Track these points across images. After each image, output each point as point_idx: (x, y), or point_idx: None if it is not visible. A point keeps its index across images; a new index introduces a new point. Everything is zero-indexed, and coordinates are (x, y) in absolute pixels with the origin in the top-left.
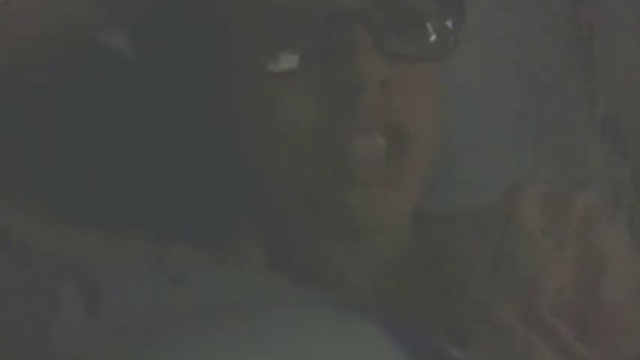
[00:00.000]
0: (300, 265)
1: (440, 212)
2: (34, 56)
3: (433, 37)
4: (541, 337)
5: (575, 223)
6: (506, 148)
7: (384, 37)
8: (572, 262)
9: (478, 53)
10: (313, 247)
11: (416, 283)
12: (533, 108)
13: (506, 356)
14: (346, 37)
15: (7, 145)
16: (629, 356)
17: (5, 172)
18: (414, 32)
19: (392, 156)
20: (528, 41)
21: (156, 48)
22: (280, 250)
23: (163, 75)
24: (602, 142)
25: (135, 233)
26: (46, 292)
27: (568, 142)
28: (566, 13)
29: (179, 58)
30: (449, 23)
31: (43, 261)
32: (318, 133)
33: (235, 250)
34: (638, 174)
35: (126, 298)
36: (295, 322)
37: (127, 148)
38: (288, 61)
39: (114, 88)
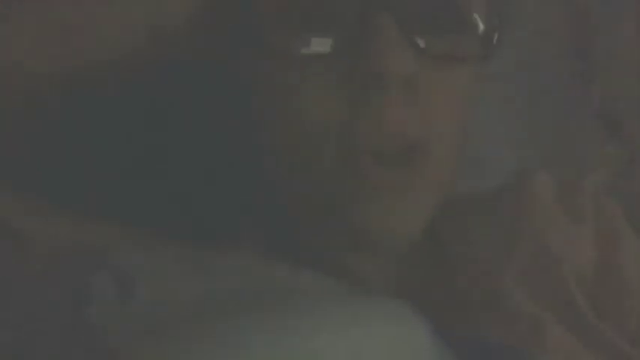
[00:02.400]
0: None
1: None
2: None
3: (470, 38)
4: (557, 318)
5: (588, 204)
6: (502, 136)
7: (415, 31)
8: (589, 241)
9: None
10: (318, 244)
11: (426, 271)
12: (531, 96)
13: (517, 339)
14: (375, 28)
15: (35, 144)
16: None
17: (36, 174)
18: (450, 30)
19: (410, 163)
20: (528, 31)
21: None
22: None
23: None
24: (599, 129)
25: (161, 229)
26: (80, 282)
27: (565, 130)
28: (565, 4)
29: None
30: (490, 23)
31: (76, 254)
32: (334, 128)
33: (245, 243)
34: (633, 161)
35: (155, 288)
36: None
37: (141, 145)
38: (311, 47)
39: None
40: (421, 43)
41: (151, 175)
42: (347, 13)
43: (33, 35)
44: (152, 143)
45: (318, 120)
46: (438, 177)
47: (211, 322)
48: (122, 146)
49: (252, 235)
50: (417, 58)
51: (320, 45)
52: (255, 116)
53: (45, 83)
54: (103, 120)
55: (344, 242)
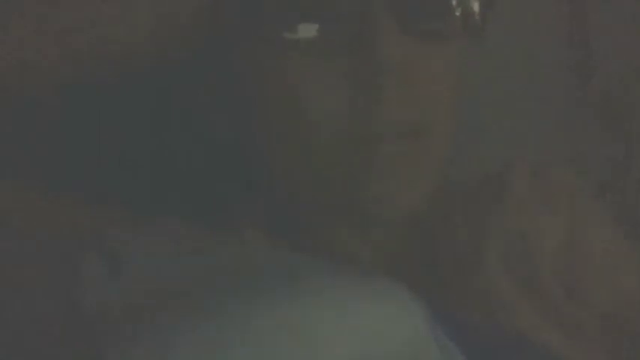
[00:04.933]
0: (306, 240)
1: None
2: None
3: (460, 19)
4: (528, 297)
5: (561, 193)
6: (499, 131)
7: (409, 18)
8: (560, 228)
9: None
10: (322, 227)
11: (415, 253)
12: (529, 92)
13: (493, 316)
14: (370, 20)
15: (33, 132)
16: (607, 312)
17: (28, 157)
18: (440, 13)
19: (415, 145)
20: (524, 21)
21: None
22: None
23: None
24: (596, 120)
25: (154, 209)
26: (70, 261)
27: (563, 126)
28: None
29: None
30: (477, 3)
31: (66, 235)
32: (338, 116)
33: (246, 228)
34: (631, 153)
35: (144, 266)
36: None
37: (141, 132)
38: (309, 43)
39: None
40: (416, 30)
41: (149, 159)
42: (345, 9)
43: (35, 33)
44: (152, 130)
45: (322, 106)
46: (436, 155)
47: (204, 301)
48: (122, 134)
49: (250, 215)
50: (414, 44)
51: (317, 40)
52: (257, 100)
53: (47, 78)
54: (104, 109)
55: (344, 220)
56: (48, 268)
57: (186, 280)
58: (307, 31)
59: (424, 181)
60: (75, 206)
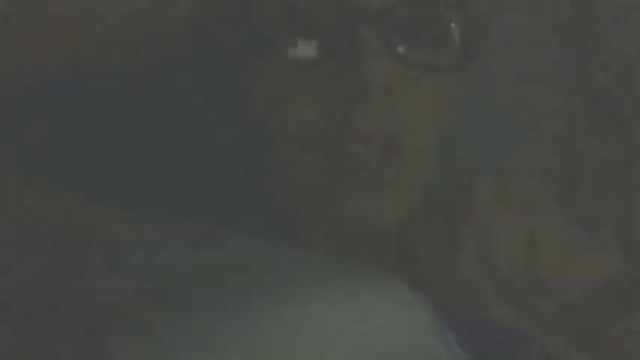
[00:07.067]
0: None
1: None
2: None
3: (451, 49)
4: (496, 288)
5: (523, 198)
6: (502, 133)
7: (397, 42)
8: (522, 231)
9: None
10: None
11: (401, 254)
12: (531, 94)
13: (471, 303)
14: (358, 38)
15: (34, 131)
16: (566, 301)
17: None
18: (431, 41)
19: (387, 164)
20: (524, 21)
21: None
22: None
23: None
24: (596, 120)
25: (155, 208)
26: (70, 259)
27: (562, 122)
28: (567, 3)
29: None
30: (469, 37)
31: (67, 233)
32: (318, 131)
33: (246, 227)
34: (631, 153)
35: (145, 265)
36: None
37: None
38: (298, 56)
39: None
40: (401, 54)
41: (149, 158)
42: (334, 24)
43: (31, 28)
44: (152, 129)
45: (305, 120)
46: (414, 175)
47: (204, 301)
48: (123, 133)
49: (250, 214)
50: (397, 67)
51: (308, 52)
52: (249, 113)
53: (45, 76)
54: (104, 108)
55: (325, 228)
56: (48, 266)
57: (186, 280)
58: (302, 50)
59: (400, 193)
60: (76, 204)
